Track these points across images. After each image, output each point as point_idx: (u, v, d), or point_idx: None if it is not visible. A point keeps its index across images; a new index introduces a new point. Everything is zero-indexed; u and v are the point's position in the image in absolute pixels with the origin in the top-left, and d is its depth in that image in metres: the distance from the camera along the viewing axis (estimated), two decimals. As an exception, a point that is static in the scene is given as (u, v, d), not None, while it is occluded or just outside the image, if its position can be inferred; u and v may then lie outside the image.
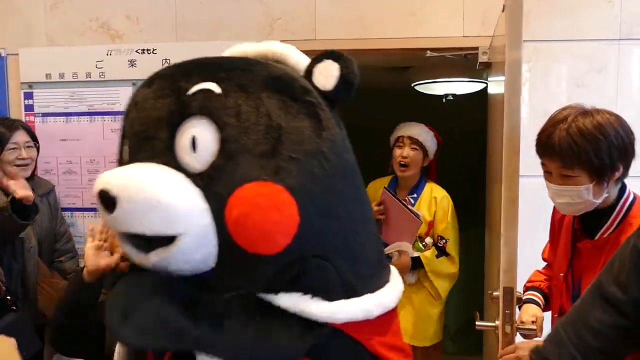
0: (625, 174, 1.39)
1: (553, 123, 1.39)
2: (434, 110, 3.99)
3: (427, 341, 2.56)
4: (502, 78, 1.56)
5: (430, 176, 2.63)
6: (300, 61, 1.13)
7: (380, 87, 4.27)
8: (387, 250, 2.48)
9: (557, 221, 1.60)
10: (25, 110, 2.58)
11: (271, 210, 0.92)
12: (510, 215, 1.45)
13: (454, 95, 3.50)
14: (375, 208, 2.45)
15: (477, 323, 1.62)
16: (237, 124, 0.96)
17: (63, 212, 2.53)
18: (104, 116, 2.53)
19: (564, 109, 1.42)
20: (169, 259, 0.97)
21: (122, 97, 2.52)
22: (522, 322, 1.51)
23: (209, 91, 0.98)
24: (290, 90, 1.03)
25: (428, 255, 2.47)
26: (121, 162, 1.08)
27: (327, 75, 1.06)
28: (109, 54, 2.52)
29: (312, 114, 1.02)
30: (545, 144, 1.39)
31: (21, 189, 1.93)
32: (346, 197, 1.07)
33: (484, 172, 2.57)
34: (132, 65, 2.50)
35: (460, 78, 3.25)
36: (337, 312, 1.00)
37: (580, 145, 1.32)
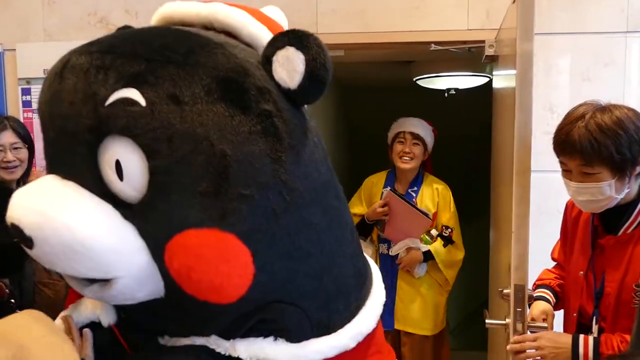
0: None
1: (571, 120, 1.36)
2: (434, 105, 3.97)
3: (437, 329, 2.62)
4: (511, 71, 1.53)
5: (427, 169, 2.67)
6: (255, 35, 0.88)
7: (382, 82, 4.24)
8: (395, 251, 2.51)
9: (571, 220, 1.57)
10: (23, 107, 2.55)
11: (219, 262, 0.76)
12: (521, 212, 1.43)
13: (456, 89, 3.46)
14: (379, 210, 2.46)
15: (487, 321, 1.60)
16: (169, 152, 0.74)
17: (62, 210, 2.50)
18: (103, 112, 2.50)
19: (580, 105, 1.40)
20: (107, 298, 0.84)
21: (121, 93, 2.48)
22: (532, 320, 1.49)
23: (131, 103, 0.75)
24: (240, 97, 0.78)
25: (437, 247, 2.51)
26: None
27: (289, 69, 0.80)
28: (107, 49, 2.48)
29: (268, 130, 0.79)
30: (565, 142, 1.36)
31: None
32: (318, 228, 0.87)
33: (486, 166, 2.56)
34: (131, 60, 2.47)
35: (463, 72, 3.21)
36: (308, 354, 0.88)
37: (601, 141, 1.30)
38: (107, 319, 0.95)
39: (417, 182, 2.60)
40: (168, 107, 0.75)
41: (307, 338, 0.89)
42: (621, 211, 1.39)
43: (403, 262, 2.51)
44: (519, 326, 1.43)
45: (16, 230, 0.78)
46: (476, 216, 3.61)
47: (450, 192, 2.59)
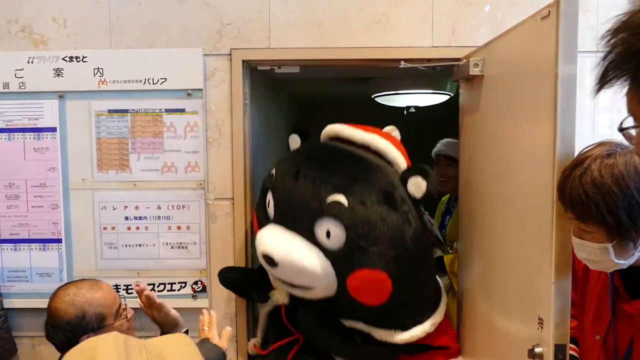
0: None
1: (572, 165, 1.17)
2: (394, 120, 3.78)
3: None
4: (490, 93, 1.34)
5: None
6: (396, 158, 1.76)
7: (339, 98, 4.05)
8: None
9: (581, 267, 1.37)
10: None
11: (376, 285, 1.59)
12: (563, 261, 1.25)
13: (416, 107, 3.31)
14: None
15: None
16: (358, 230, 1.58)
17: (-24, 245, 2.17)
18: (25, 133, 2.18)
19: (595, 146, 1.20)
20: (302, 294, 1.75)
21: (46, 111, 2.18)
22: None
23: (340, 204, 1.58)
24: (393, 202, 1.61)
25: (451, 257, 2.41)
26: (263, 209, 1.84)
27: (417, 189, 1.65)
28: (30, 61, 2.18)
29: (405, 220, 1.62)
30: (560, 190, 1.18)
31: None
32: (420, 271, 1.73)
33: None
34: (59, 74, 2.17)
35: (424, 90, 3.06)
36: (408, 338, 1.76)
37: (592, 198, 1.10)
38: (283, 300, 1.92)
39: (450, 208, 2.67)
40: (359, 206, 1.58)
41: (411, 326, 1.78)
42: None
43: None
44: None
45: (267, 258, 1.64)
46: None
47: None
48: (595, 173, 1.11)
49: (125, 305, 1.67)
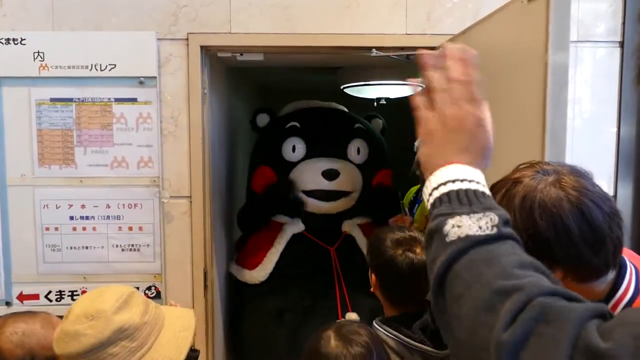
0: (581, 273, 0.88)
1: (493, 185, 0.93)
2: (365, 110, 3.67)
3: None
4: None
5: None
6: None
7: (307, 86, 3.89)
8: None
9: None
10: None
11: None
12: None
13: (387, 99, 3.17)
14: None
15: None
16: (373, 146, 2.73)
17: None
18: (-45, 124, 1.96)
19: (515, 172, 0.94)
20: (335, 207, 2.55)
21: (-21, 100, 1.96)
22: None
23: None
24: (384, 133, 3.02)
25: None
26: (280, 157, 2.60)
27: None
28: (-39, 43, 1.95)
29: None
30: None
31: None
32: None
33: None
34: (-7, 58, 1.95)
35: (396, 81, 2.92)
36: None
37: None
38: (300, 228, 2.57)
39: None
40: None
41: None
42: None
43: None
44: None
45: (331, 172, 2.56)
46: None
47: None
48: None
49: None
